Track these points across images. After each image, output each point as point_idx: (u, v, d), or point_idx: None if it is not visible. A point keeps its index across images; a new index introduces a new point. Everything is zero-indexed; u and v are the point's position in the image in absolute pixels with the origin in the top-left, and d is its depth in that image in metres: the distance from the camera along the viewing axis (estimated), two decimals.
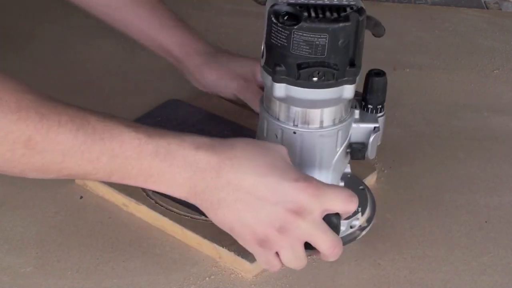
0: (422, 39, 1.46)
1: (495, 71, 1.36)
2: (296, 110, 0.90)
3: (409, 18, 1.54)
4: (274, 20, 0.85)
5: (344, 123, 0.92)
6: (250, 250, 0.87)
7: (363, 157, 0.95)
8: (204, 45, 1.18)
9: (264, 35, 0.88)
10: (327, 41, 0.84)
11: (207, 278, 0.93)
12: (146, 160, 0.82)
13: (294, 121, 0.91)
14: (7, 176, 1.05)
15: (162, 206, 0.99)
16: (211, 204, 0.84)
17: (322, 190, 0.83)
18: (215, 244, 0.94)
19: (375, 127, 0.94)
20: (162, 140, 0.83)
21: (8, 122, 0.77)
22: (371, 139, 0.94)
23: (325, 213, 0.84)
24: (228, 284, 0.92)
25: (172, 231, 0.98)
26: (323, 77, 0.86)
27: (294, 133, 0.91)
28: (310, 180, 0.84)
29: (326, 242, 0.84)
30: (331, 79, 0.86)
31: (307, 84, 0.86)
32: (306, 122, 0.91)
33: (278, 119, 0.92)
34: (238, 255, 0.93)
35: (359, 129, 0.94)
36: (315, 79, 0.86)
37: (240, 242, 0.87)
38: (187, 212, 0.98)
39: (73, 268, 0.93)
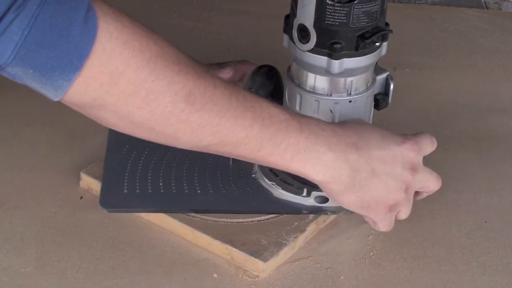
0: (422, 39, 1.46)
1: (495, 71, 1.36)
2: (350, 80, 0.95)
3: (409, 18, 1.54)
4: (331, 2, 0.89)
5: (374, 78, 0.99)
6: (379, 218, 0.92)
7: (387, 105, 1.01)
8: None
9: (313, 22, 0.91)
10: (379, 6, 0.90)
11: (207, 278, 0.93)
12: (293, 135, 0.84)
13: (348, 91, 0.96)
14: (7, 176, 1.06)
15: None
16: (353, 187, 0.88)
17: (419, 142, 0.93)
18: (227, 245, 0.94)
19: (387, 75, 1.00)
20: (303, 118, 0.86)
21: (171, 72, 0.76)
22: (391, 86, 1.00)
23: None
24: (228, 284, 0.92)
25: (182, 233, 0.98)
26: (382, 40, 0.94)
27: (350, 102, 0.96)
28: (409, 137, 0.93)
29: (433, 180, 0.94)
30: (386, 40, 0.94)
31: (367, 51, 0.92)
32: (357, 88, 0.96)
33: (330, 95, 0.95)
34: (251, 255, 0.93)
35: (379, 81, 1.00)
36: (378, 44, 0.93)
37: (372, 215, 0.91)
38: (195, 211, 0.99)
39: (73, 268, 0.93)
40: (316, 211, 0.98)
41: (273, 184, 1.01)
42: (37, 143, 1.13)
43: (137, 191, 0.99)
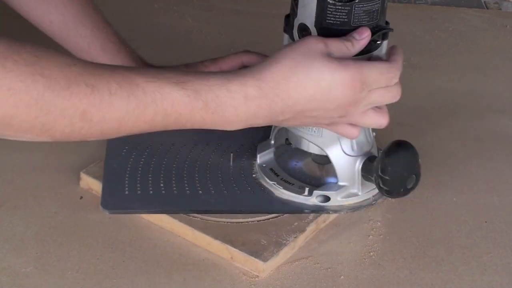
0: (422, 39, 1.46)
1: (495, 71, 1.36)
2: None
3: (409, 18, 1.54)
4: (332, 1, 0.89)
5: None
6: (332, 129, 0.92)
7: None
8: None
9: (314, 21, 0.91)
10: (380, 5, 0.91)
11: (207, 278, 0.93)
12: (198, 114, 0.85)
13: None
14: (7, 176, 1.06)
15: None
16: (271, 122, 0.89)
17: (365, 76, 0.87)
18: (227, 245, 0.94)
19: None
20: (210, 93, 0.85)
21: (61, 99, 0.77)
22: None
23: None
24: (228, 284, 0.92)
25: (183, 233, 0.98)
26: (382, 38, 0.94)
27: None
28: (352, 69, 0.87)
29: (386, 97, 0.92)
30: (386, 38, 0.94)
31: (367, 50, 0.92)
32: None
33: None
34: (251, 255, 0.93)
35: None
36: (379, 42, 0.93)
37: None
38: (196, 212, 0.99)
39: (73, 268, 0.93)
40: (318, 210, 0.98)
41: (274, 184, 1.01)
42: (37, 143, 1.12)
43: (138, 192, 0.99)
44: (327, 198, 0.98)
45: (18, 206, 1.02)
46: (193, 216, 0.98)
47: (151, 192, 0.99)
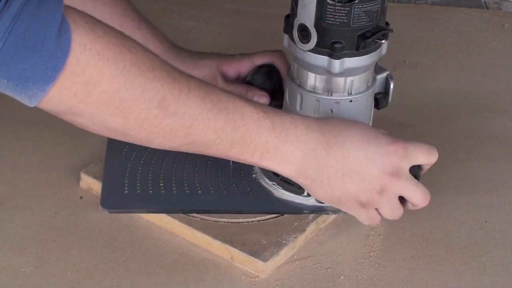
0: (422, 39, 1.46)
1: (495, 71, 1.36)
2: (350, 79, 0.95)
3: (409, 18, 1.54)
4: (331, 2, 0.89)
5: (375, 77, 0.99)
6: (352, 213, 0.93)
7: (387, 104, 1.01)
8: (168, 46, 1.12)
9: (313, 21, 0.91)
10: (379, 5, 0.90)
11: (207, 278, 0.93)
12: (263, 135, 0.86)
13: (348, 91, 0.96)
14: (7, 176, 1.06)
15: None
16: (321, 182, 0.89)
17: (408, 149, 0.90)
18: (227, 245, 0.94)
19: (388, 74, 1.00)
20: (277, 117, 0.87)
21: (145, 79, 0.77)
22: (391, 85, 1.00)
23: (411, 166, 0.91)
24: (228, 284, 0.92)
25: (182, 233, 0.98)
26: (383, 39, 0.93)
27: (350, 101, 0.96)
28: (397, 141, 0.90)
29: (419, 194, 0.92)
30: (386, 39, 0.94)
31: (367, 50, 0.93)
32: (358, 88, 0.96)
33: (331, 95, 0.95)
34: (251, 255, 0.93)
35: (380, 81, 1.00)
36: (383, 41, 0.93)
37: (344, 209, 0.93)
38: (196, 212, 0.99)
39: (73, 268, 0.93)
40: (317, 210, 0.98)
41: (273, 184, 1.01)
42: (37, 143, 1.13)
43: (138, 191, 0.99)
44: None
45: (18, 206, 1.02)
46: (193, 216, 0.98)
47: (151, 191, 0.99)
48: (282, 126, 0.87)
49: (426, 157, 0.92)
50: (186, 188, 1.00)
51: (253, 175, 1.03)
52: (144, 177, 1.01)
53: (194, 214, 0.98)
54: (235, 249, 0.94)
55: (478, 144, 1.18)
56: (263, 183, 1.02)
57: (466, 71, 1.36)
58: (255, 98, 1.05)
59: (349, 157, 0.89)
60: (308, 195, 0.98)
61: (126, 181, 1.00)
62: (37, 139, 1.13)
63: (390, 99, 1.01)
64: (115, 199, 0.98)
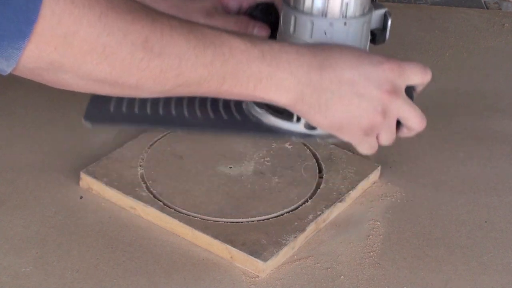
0: (422, 39, 1.46)
1: (495, 71, 1.36)
2: (346, 1, 0.93)
3: (409, 18, 1.54)
4: None
5: (372, 8, 0.97)
6: (355, 141, 0.89)
7: (384, 40, 0.99)
8: None
9: None
10: None
11: (207, 278, 0.93)
12: (254, 64, 0.83)
13: (343, 13, 0.94)
14: (7, 176, 1.06)
15: (170, 207, 1.00)
16: (319, 107, 0.86)
17: (403, 66, 0.88)
18: (227, 245, 0.95)
19: (386, 11, 0.99)
20: (265, 45, 0.84)
21: (124, 22, 0.75)
22: (389, 21, 0.98)
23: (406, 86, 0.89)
24: (228, 284, 0.92)
25: (182, 233, 0.98)
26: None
27: (345, 24, 0.94)
28: (391, 59, 0.88)
29: (416, 116, 0.90)
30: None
31: None
32: (354, 12, 0.94)
33: (325, 16, 0.94)
34: (251, 254, 0.93)
35: (377, 16, 0.98)
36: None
37: (345, 137, 0.89)
38: (196, 212, 0.99)
39: (73, 268, 0.93)
40: (305, 137, 0.96)
41: (263, 111, 0.98)
42: (37, 143, 1.13)
43: (124, 109, 0.96)
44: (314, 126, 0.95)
45: (18, 206, 1.02)
46: (193, 216, 0.98)
47: (137, 111, 0.96)
48: (272, 54, 0.84)
49: (420, 76, 0.90)
50: (173, 110, 0.96)
51: (243, 106, 0.99)
52: (132, 99, 0.98)
53: (194, 214, 0.98)
54: (235, 249, 0.94)
55: (478, 144, 1.18)
56: (252, 111, 0.99)
57: (466, 71, 1.36)
58: (256, 31, 1.02)
59: (343, 77, 0.86)
60: (297, 121, 0.95)
61: (113, 100, 0.97)
62: (37, 139, 1.13)
63: (387, 35, 1.00)
64: (100, 113, 0.94)
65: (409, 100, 0.89)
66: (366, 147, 0.90)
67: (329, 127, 0.88)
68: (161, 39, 0.78)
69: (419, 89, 0.92)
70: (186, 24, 0.80)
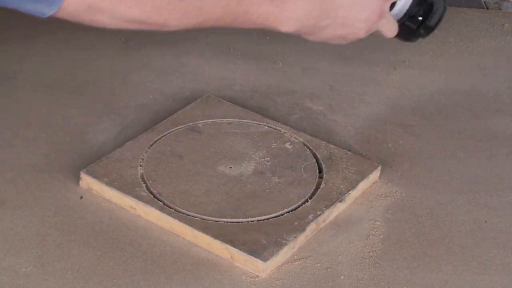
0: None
1: (494, 71, 1.36)
2: None
3: None
4: None
5: None
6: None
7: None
8: None
9: None
10: None
11: (207, 278, 0.93)
12: (264, 6, 0.93)
13: None
14: (7, 176, 1.06)
15: (170, 207, 1.00)
16: (319, 31, 0.98)
17: None
18: (227, 245, 0.95)
19: None
20: None
21: None
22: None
23: None
24: (228, 284, 0.93)
25: (182, 233, 0.98)
26: None
27: None
28: None
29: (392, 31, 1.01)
30: None
31: None
32: None
33: None
34: (251, 254, 0.93)
35: None
36: None
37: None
38: (196, 212, 0.99)
39: (73, 268, 0.93)
40: None
41: None
42: (37, 143, 1.13)
43: None
44: None
45: (18, 206, 1.02)
46: (193, 216, 0.98)
47: None
48: None
49: None
50: None
51: None
52: None
53: (194, 214, 0.98)
54: (235, 249, 0.94)
55: (478, 144, 1.18)
56: None
57: (466, 71, 1.36)
58: None
59: (339, 8, 0.96)
60: None
61: None
62: (37, 139, 1.13)
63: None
64: None
65: (390, 18, 1.00)
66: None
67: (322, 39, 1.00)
68: None
69: None
70: None
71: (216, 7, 0.91)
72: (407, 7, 1.01)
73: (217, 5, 0.90)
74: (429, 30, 1.03)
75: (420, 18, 1.03)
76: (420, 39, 1.04)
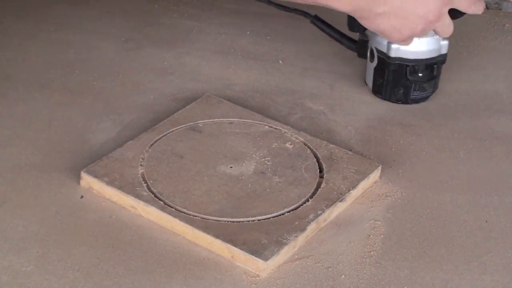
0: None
1: (495, 71, 1.36)
2: None
3: None
4: None
5: None
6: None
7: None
8: None
9: None
10: None
11: (207, 278, 0.93)
12: None
13: None
14: (8, 176, 1.06)
15: (171, 207, 1.00)
16: (374, 16, 1.04)
17: None
18: (227, 244, 0.95)
19: None
20: None
21: None
22: None
23: None
24: (228, 283, 0.93)
25: (183, 232, 0.98)
26: None
27: None
28: None
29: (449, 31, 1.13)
30: None
31: None
32: None
33: None
34: (251, 254, 0.93)
35: None
36: None
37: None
38: (196, 212, 0.99)
39: (74, 267, 0.93)
40: None
41: None
42: (37, 143, 1.13)
43: None
44: None
45: (18, 206, 1.02)
46: (193, 216, 0.98)
47: None
48: None
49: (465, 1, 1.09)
50: None
51: None
52: None
53: (195, 213, 0.98)
54: (235, 248, 0.94)
55: (478, 144, 1.18)
56: None
57: (466, 71, 1.36)
58: None
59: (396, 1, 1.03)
60: None
61: None
62: (37, 139, 1.13)
63: None
64: None
65: (447, 19, 1.09)
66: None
67: (375, 29, 1.08)
68: None
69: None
70: None
71: None
72: None
73: None
74: None
75: None
76: None
